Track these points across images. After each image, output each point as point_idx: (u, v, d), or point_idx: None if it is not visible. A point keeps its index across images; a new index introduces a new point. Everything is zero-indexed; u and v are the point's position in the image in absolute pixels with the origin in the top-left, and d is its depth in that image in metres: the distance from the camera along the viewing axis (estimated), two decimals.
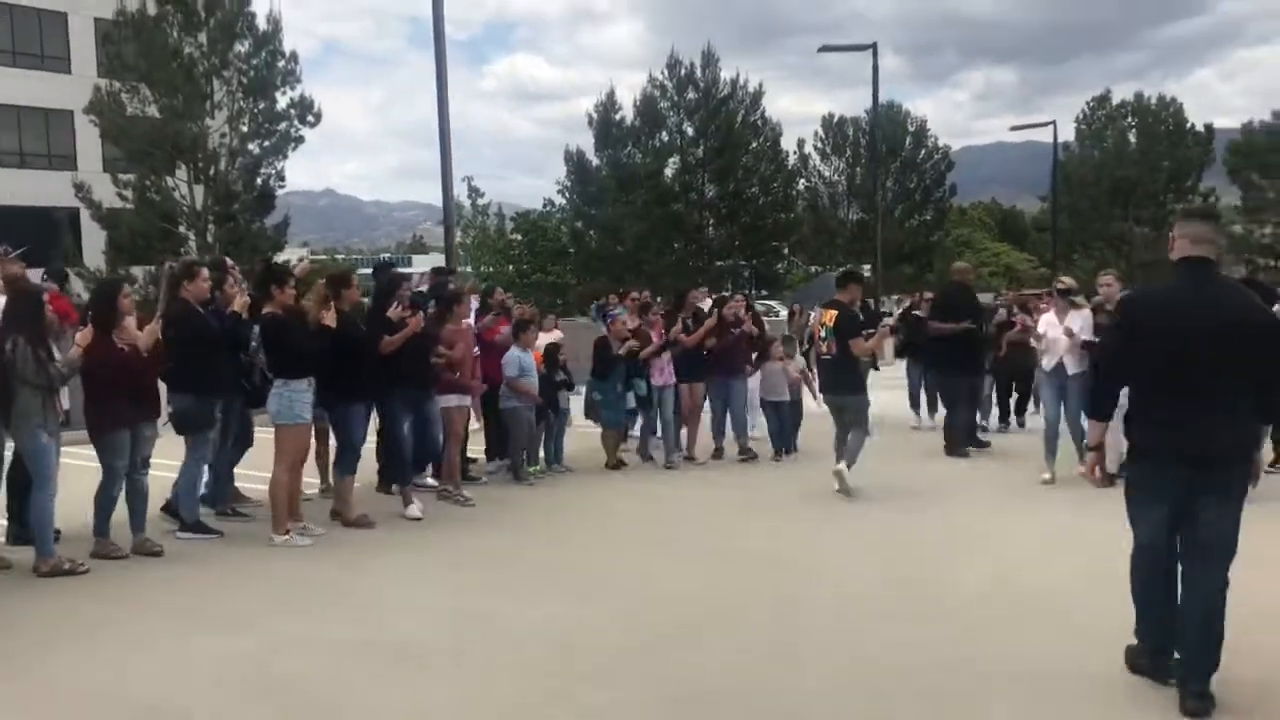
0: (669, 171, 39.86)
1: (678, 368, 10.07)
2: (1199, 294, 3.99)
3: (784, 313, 23.68)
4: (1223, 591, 3.96)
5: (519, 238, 44.25)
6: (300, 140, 24.88)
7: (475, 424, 9.74)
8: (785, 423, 10.42)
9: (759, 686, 4.36)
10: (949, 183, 46.57)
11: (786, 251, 43.74)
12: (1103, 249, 41.09)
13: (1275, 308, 6.52)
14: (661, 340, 10.02)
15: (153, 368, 6.77)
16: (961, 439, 10.38)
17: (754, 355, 10.52)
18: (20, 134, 35.44)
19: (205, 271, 7.34)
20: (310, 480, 8.08)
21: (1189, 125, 43.26)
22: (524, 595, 5.78)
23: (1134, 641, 4.31)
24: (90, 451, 6.76)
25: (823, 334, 8.44)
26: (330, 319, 7.15)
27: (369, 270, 12.73)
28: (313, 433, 7.53)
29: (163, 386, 7.14)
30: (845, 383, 8.37)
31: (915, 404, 12.50)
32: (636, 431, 10.58)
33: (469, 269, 37.17)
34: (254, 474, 7.97)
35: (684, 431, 10.38)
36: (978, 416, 11.15)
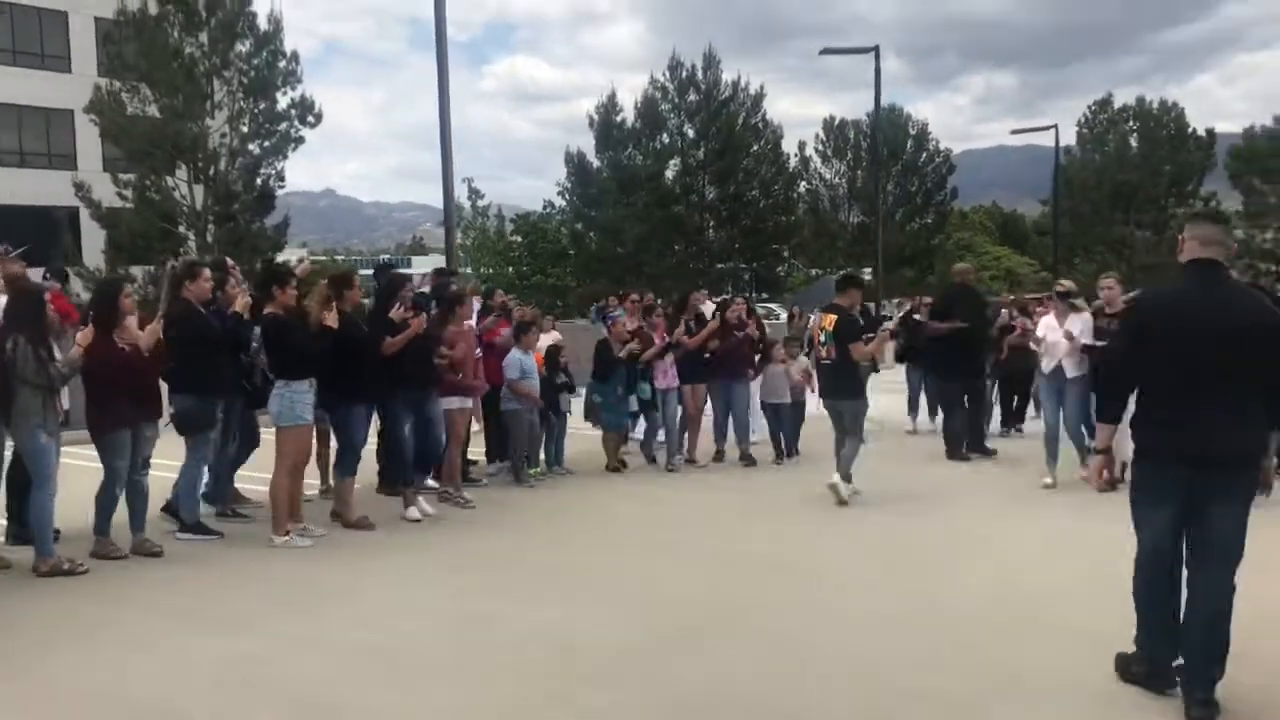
0: (669, 173, 39.86)
1: (680, 370, 10.07)
2: (1208, 296, 3.98)
3: (784, 315, 23.69)
4: (1229, 597, 3.94)
5: (519, 239, 44.23)
6: (300, 140, 24.91)
7: (475, 426, 9.72)
8: (785, 425, 10.41)
9: (759, 690, 4.35)
10: (950, 186, 46.55)
11: (787, 254, 43.72)
12: (1104, 253, 41.07)
13: None
14: (664, 342, 10.01)
15: (154, 368, 6.76)
16: (961, 442, 10.36)
17: (756, 359, 10.51)
18: (20, 133, 35.45)
19: (207, 272, 7.33)
20: (310, 481, 8.06)
21: (1190, 130, 43.25)
22: (524, 597, 5.77)
23: (1127, 649, 4.28)
24: (90, 451, 6.76)
25: (822, 338, 8.42)
26: (332, 320, 7.13)
27: (369, 271, 12.72)
28: (314, 434, 7.52)
29: (164, 387, 7.13)
30: (845, 387, 8.33)
31: (913, 408, 12.49)
32: (638, 434, 10.57)
33: (468, 270, 37.17)
34: (255, 475, 7.95)
35: (685, 434, 10.37)
36: (985, 424, 11.04)
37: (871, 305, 19.52)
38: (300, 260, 11.65)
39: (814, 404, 9.79)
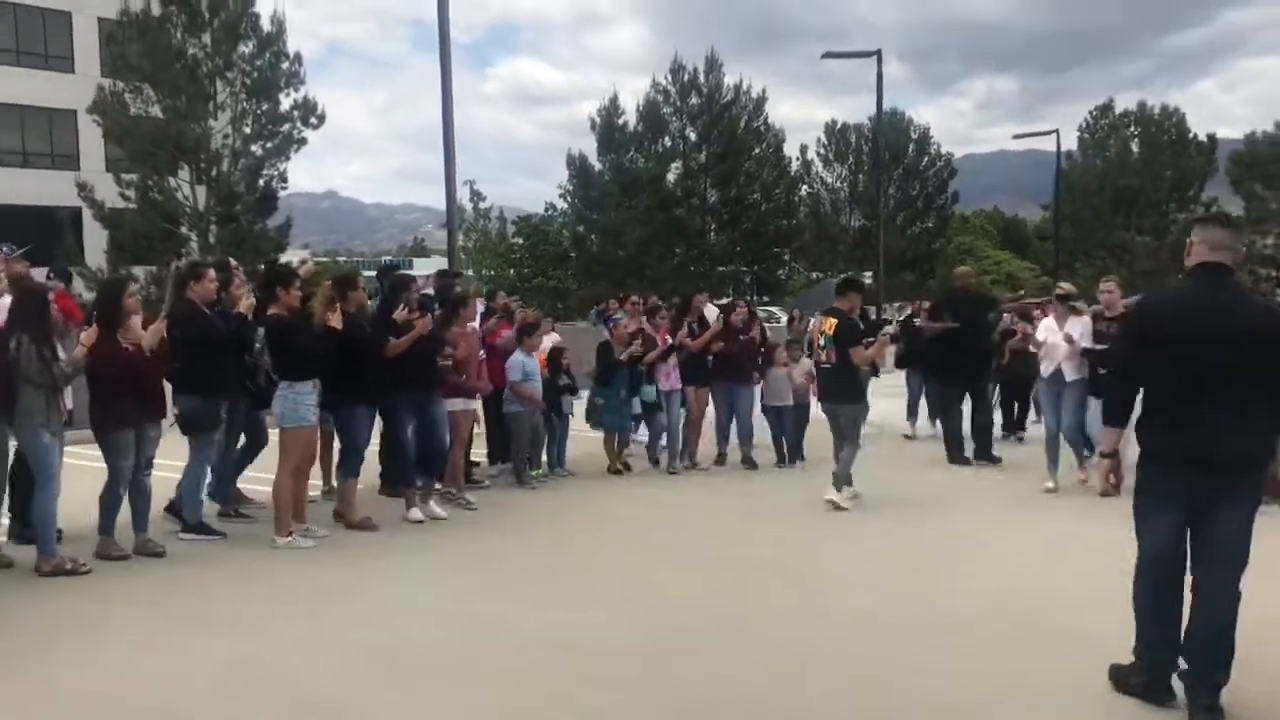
0: (671, 176, 39.94)
1: (683, 372, 10.07)
2: (1215, 300, 3.97)
3: (784, 318, 23.69)
4: (1235, 603, 3.93)
5: (520, 241, 44.28)
6: (303, 142, 24.92)
7: (478, 428, 9.72)
8: (787, 428, 10.40)
9: (760, 695, 4.34)
10: (951, 190, 46.65)
11: (788, 258, 43.80)
12: (1104, 258, 41.06)
13: None
14: (666, 344, 10.01)
15: (157, 368, 6.75)
16: (962, 446, 10.35)
17: (759, 361, 10.50)
18: (23, 133, 35.49)
19: (212, 273, 7.33)
20: (313, 482, 8.07)
21: (1192, 135, 43.32)
22: (526, 598, 5.78)
23: (1123, 659, 4.25)
24: (93, 451, 6.76)
25: (822, 342, 8.41)
26: (336, 321, 7.14)
27: (372, 273, 12.73)
28: (319, 435, 7.52)
29: (168, 387, 7.13)
30: (844, 391, 8.29)
31: (913, 414, 12.46)
32: (641, 437, 10.57)
33: (470, 272, 37.22)
34: (258, 475, 7.96)
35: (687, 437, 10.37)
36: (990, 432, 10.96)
37: (872, 309, 19.51)
38: (303, 261, 11.67)
39: (818, 407, 9.76)
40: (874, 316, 17.07)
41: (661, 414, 10.07)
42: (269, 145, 24.79)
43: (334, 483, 8.12)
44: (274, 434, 7.27)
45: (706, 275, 37.83)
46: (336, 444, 7.85)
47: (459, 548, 7.04)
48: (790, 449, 10.38)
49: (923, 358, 11.52)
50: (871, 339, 8.60)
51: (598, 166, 40.44)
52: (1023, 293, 14.54)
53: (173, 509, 7.40)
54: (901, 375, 12.89)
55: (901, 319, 14.27)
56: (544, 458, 9.66)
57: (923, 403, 12.15)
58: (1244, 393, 3.89)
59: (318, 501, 8.15)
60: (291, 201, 29.48)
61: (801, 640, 5.04)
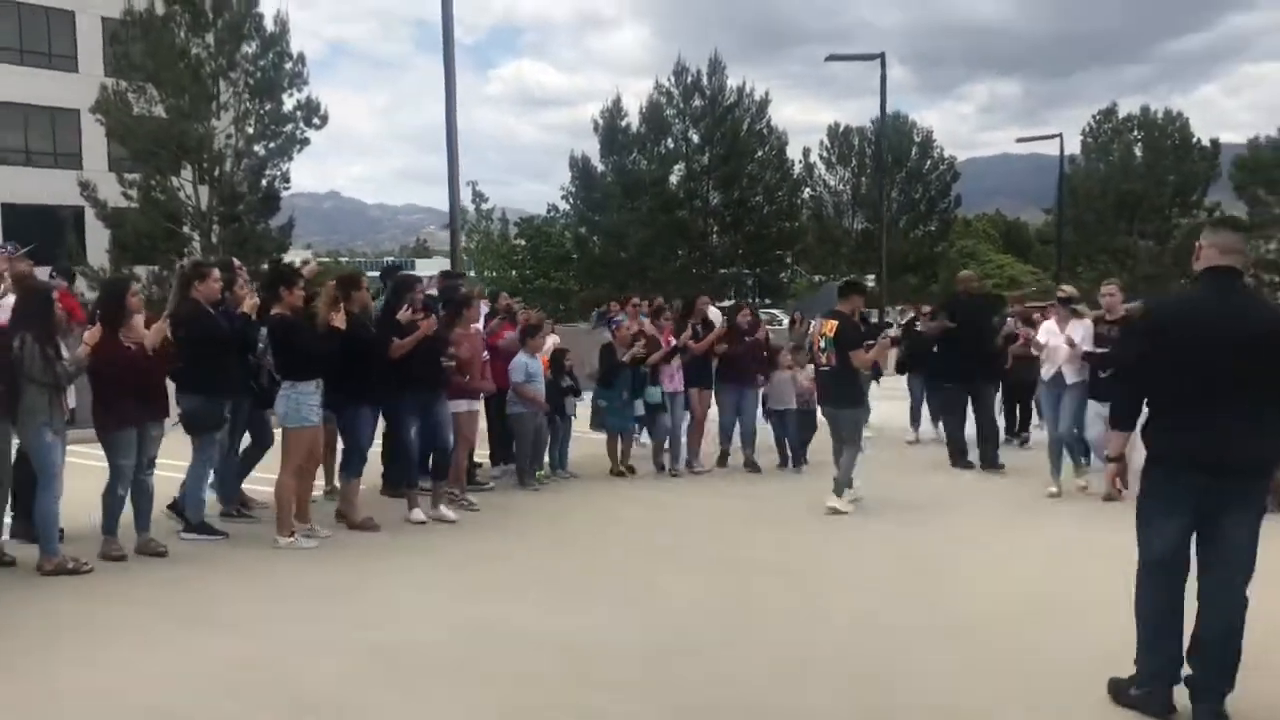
0: (674, 179, 39.94)
1: (687, 374, 10.06)
2: (1224, 303, 3.96)
3: (785, 321, 23.67)
4: (1242, 608, 3.92)
5: (522, 243, 44.29)
6: (306, 142, 24.99)
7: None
8: (790, 431, 10.39)
9: (761, 698, 4.34)
10: (954, 194, 46.59)
11: (790, 260, 43.79)
12: (1107, 262, 41.06)
13: None
14: (670, 346, 10.01)
15: (160, 367, 6.75)
16: (965, 450, 10.34)
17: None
18: (26, 132, 35.54)
19: (216, 272, 7.33)
20: (315, 483, 8.06)
21: (1195, 140, 43.31)
22: (527, 600, 5.78)
23: (1126, 663, 4.22)
24: (96, 451, 6.76)
25: (822, 345, 8.39)
26: (339, 321, 7.13)
27: (375, 274, 12.76)
28: (322, 436, 7.51)
29: (171, 386, 7.13)
30: (844, 395, 8.26)
31: (915, 418, 12.43)
32: (644, 439, 10.55)
33: (472, 273, 37.23)
34: (261, 475, 7.95)
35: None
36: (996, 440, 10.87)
37: (875, 312, 19.49)
38: (306, 261, 11.67)
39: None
40: (874, 320, 17.05)
41: (666, 415, 10.07)
42: (272, 145, 24.85)
43: (336, 483, 8.12)
44: (278, 434, 7.27)
45: (708, 277, 37.85)
46: (339, 444, 7.84)
47: (461, 549, 7.03)
48: (793, 453, 10.37)
49: (924, 361, 11.52)
50: (872, 341, 8.58)
51: (600, 168, 40.46)
52: (1024, 292, 14.49)
53: (175, 507, 7.40)
54: (902, 380, 12.87)
55: (904, 323, 14.24)
56: (546, 459, 9.66)
57: (925, 407, 12.14)
58: (1255, 397, 3.87)
59: (319, 502, 8.15)
60: (294, 202, 29.54)
61: (802, 642, 5.04)
